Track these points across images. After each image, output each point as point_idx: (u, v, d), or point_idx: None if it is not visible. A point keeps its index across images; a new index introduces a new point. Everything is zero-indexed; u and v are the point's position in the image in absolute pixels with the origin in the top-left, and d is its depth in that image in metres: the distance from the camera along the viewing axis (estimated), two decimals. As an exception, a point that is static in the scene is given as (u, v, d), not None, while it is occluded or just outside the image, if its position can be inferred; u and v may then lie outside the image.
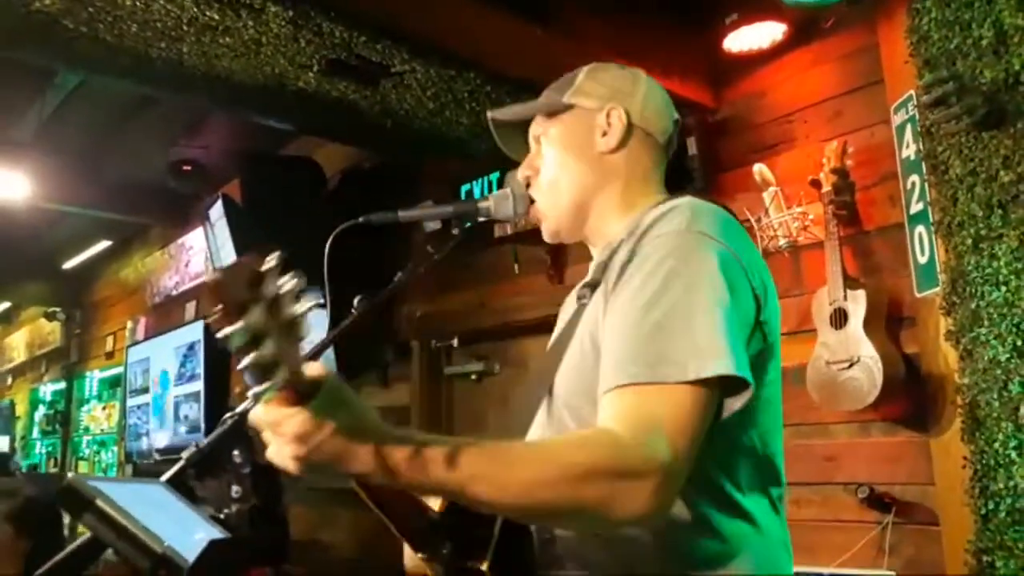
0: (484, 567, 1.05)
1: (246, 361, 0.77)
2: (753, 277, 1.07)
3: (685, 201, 1.14)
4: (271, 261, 0.78)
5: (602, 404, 1.00)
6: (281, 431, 0.85)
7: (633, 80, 1.28)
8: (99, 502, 1.00)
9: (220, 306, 0.76)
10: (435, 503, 1.14)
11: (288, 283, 0.79)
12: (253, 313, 0.76)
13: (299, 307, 0.80)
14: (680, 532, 1.03)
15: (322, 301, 1.55)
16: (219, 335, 0.77)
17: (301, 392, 0.84)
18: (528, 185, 1.30)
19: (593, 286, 1.17)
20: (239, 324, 0.76)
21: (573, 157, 1.25)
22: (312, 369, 0.86)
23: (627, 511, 0.91)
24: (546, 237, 1.32)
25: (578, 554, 1.07)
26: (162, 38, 2.39)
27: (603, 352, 1.05)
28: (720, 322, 0.99)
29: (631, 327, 1.01)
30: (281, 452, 0.86)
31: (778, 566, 1.09)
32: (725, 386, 0.98)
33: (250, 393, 0.82)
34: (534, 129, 1.30)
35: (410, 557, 1.18)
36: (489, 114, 1.35)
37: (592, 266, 1.25)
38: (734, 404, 1.00)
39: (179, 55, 2.50)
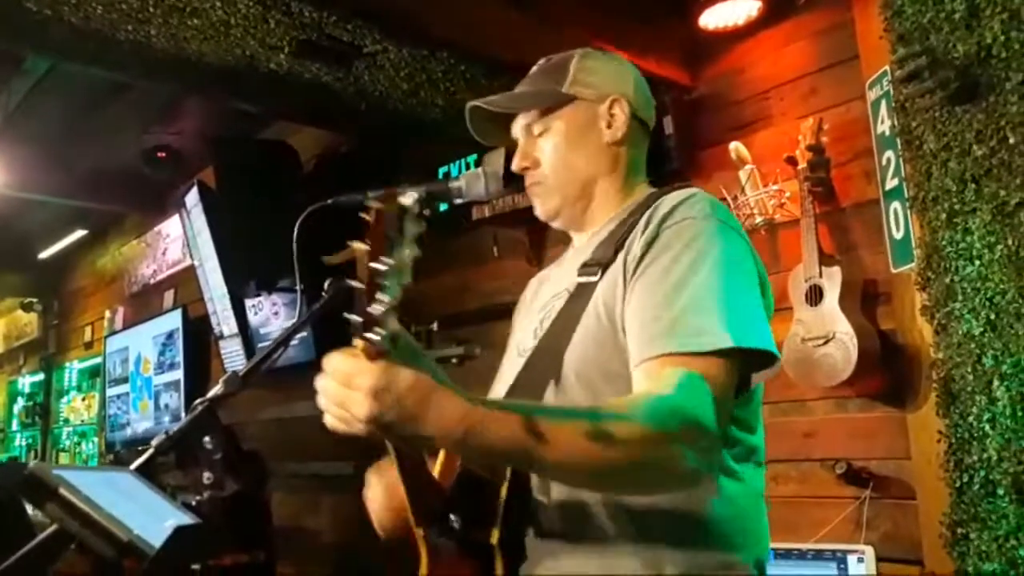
0: (493, 540, 1.08)
1: (383, 298, 0.79)
2: (758, 262, 1.16)
3: (696, 190, 1.20)
4: (413, 199, 0.82)
5: (640, 374, 1.04)
6: (356, 383, 0.83)
7: (622, 69, 1.33)
8: (62, 491, 0.98)
9: (371, 239, 0.80)
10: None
11: (414, 228, 0.82)
12: (402, 252, 0.80)
13: (413, 252, 0.83)
14: (697, 494, 1.08)
15: (300, 287, 1.54)
16: (374, 265, 0.80)
17: (380, 347, 0.83)
18: (524, 174, 1.31)
19: (600, 264, 1.19)
20: (389, 259, 0.79)
21: (579, 149, 1.28)
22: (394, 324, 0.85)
23: (686, 470, 0.96)
24: (542, 217, 1.34)
25: (592, 523, 1.09)
26: (129, 20, 2.35)
27: (633, 328, 1.08)
28: (750, 301, 1.08)
29: (665, 303, 1.06)
30: (355, 406, 0.83)
31: (759, 516, 1.17)
32: (753, 361, 1.06)
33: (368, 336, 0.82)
34: (526, 119, 1.30)
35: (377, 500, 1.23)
36: (479, 102, 1.33)
37: (587, 247, 1.28)
38: (758, 378, 1.09)
39: (147, 38, 2.46)
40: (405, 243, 0.81)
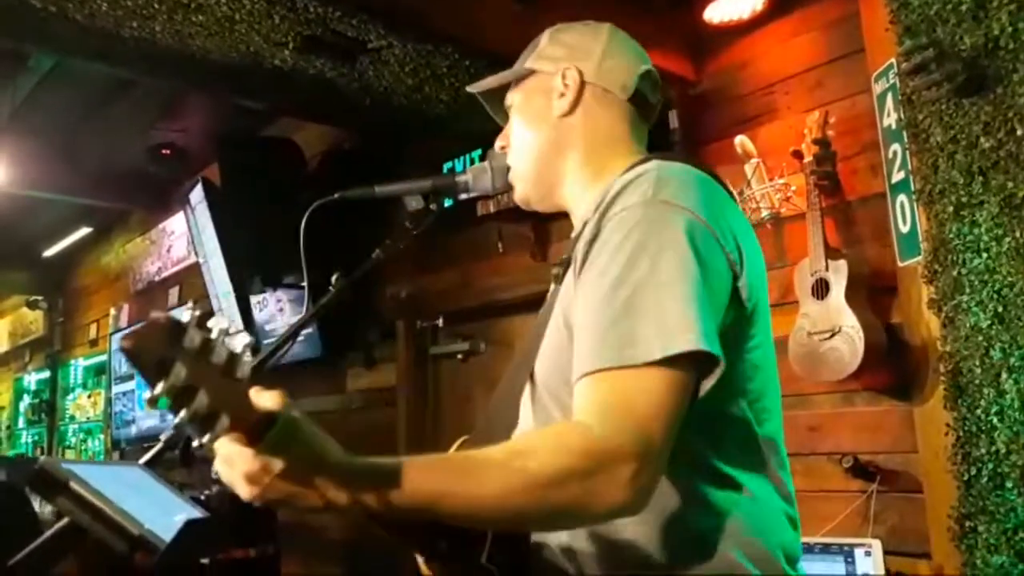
0: (482, 559, 1.04)
1: (179, 418, 0.72)
2: (726, 242, 1.02)
3: (652, 166, 1.07)
4: (187, 312, 0.74)
5: (575, 393, 0.97)
6: (234, 469, 0.80)
7: (593, 36, 1.24)
8: (73, 485, 0.98)
9: (142, 373, 0.72)
10: None
11: (214, 327, 0.75)
12: (176, 369, 0.71)
13: (231, 347, 0.76)
14: (669, 510, 1.00)
15: (303, 284, 1.54)
16: (145, 400, 0.73)
17: (253, 430, 0.79)
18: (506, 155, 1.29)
19: (566, 264, 1.13)
20: (160, 386, 0.71)
21: (533, 123, 1.23)
22: (267, 401, 0.81)
23: (605, 505, 0.89)
24: (518, 202, 1.30)
25: (569, 543, 1.06)
26: (133, 17, 2.35)
27: (574, 337, 1.01)
28: (689, 297, 0.95)
29: (598, 310, 0.97)
30: (238, 488, 0.82)
31: (775, 533, 1.06)
32: (698, 361, 0.94)
33: (194, 444, 0.77)
34: (507, 99, 1.29)
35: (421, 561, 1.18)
36: (468, 88, 1.34)
37: (571, 239, 1.20)
38: (706, 383, 0.95)
39: (151, 34, 2.46)
40: (187, 358, 0.72)
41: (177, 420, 0.73)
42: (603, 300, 0.97)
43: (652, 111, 1.27)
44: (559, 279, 1.15)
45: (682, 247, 0.98)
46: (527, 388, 1.15)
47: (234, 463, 0.80)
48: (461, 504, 0.88)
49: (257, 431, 0.80)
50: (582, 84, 1.20)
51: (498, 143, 1.31)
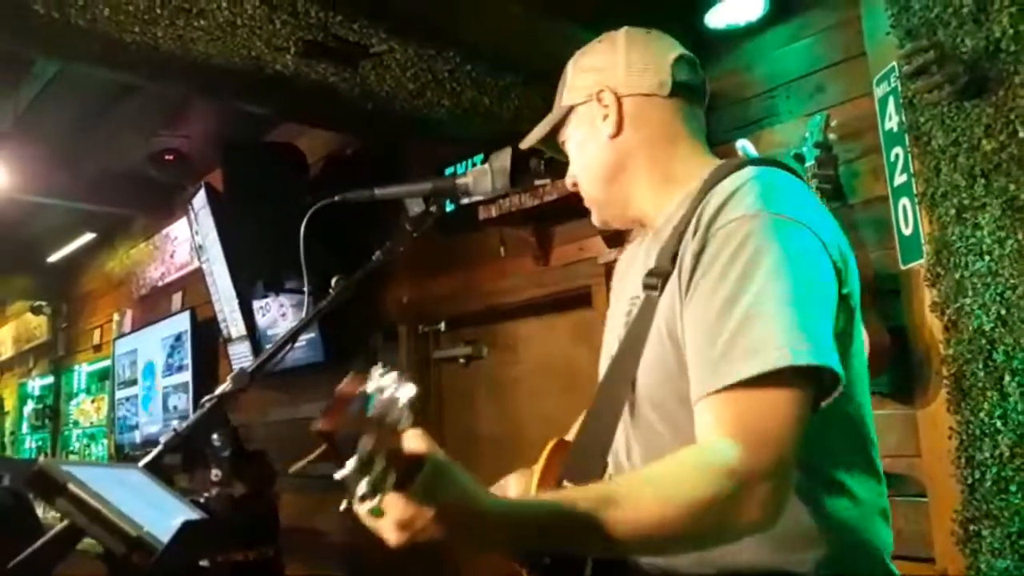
0: (586, 573, 1.04)
1: (362, 489, 0.72)
2: (832, 249, 1.03)
3: (750, 174, 1.06)
4: (373, 382, 0.75)
5: (698, 412, 0.97)
6: (387, 516, 0.80)
7: (612, 49, 1.24)
8: (71, 486, 0.98)
9: (328, 449, 0.73)
10: None
11: (388, 389, 0.76)
12: (363, 443, 0.72)
13: (402, 401, 0.76)
14: (785, 521, 0.99)
15: (308, 289, 1.54)
16: (339, 477, 0.72)
17: (404, 475, 0.78)
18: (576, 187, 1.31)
19: (660, 276, 1.10)
20: (352, 464, 0.71)
21: (588, 153, 1.24)
22: (413, 444, 0.81)
23: (746, 526, 0.92)
24: (597, 225, 1.33)
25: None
26: (135, 22, 2.35)
27: (689, 353, 1.01)
28: (806, 311, 0.95)
29: (714, 326, 0.97)
30: (387, 535, 0.82)
31: (875, 534, 1.10)
32: (819, 375, 0.95)
33: (356, 507, 0.76)
34: (560, 141, 1.31)
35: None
36: (523, 145, 1.36)
37: (654, 243, 1.19)
38: (826, 400, 0.97)
39: (154, 39, 2.46)
40: (372, 431, 0.73)
41: (360, 493, 0.73)
42: (719, 317, 0.97)
43: (701, 92, 1.26)
44: (652, 288, 1.12)
45: (794, 261, 0.98)
46: (626, 400, 1.14)
47: (388, 509, 0.79)
48: (613, 544, 0.88)
49: (407, 475, 0.78)
50: (619, 101, 1.20)
51: (568, 182, 1.31)
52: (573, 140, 1.27)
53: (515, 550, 0.90)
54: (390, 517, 0.80)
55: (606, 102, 1.20)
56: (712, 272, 1.00)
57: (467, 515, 0.83)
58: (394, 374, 0.78)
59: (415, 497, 0.79)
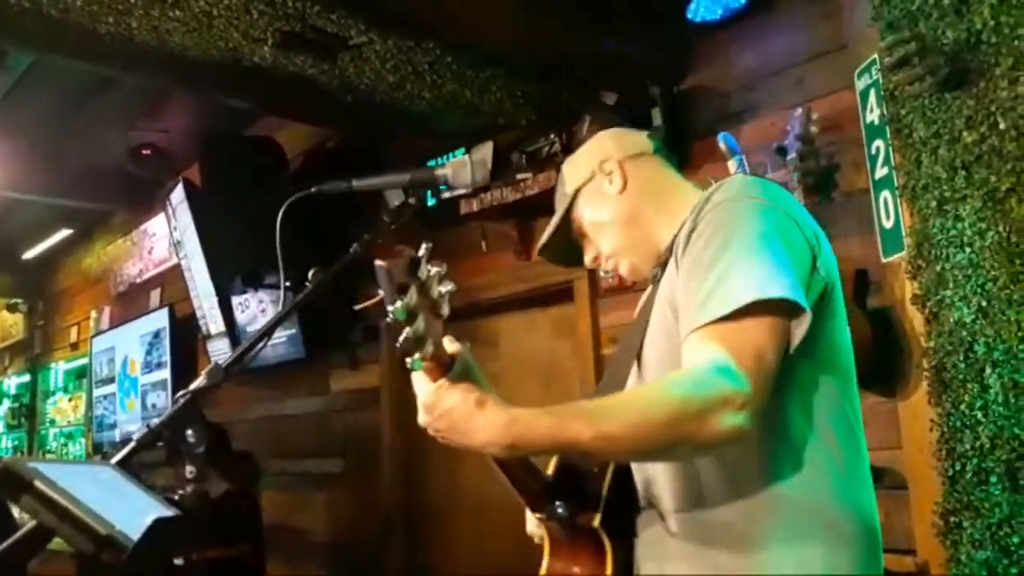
0: (595, 523, 1.18)
1: (403, 335, 0.91)
2: (805, 230, 1.21)
3: (736, 176, 1.35)
4: (423, 249, 0.93)
5: (684, 351, 1.13)
6: (419, 399, 1.01)
7: (596, 140, 1.45)
8: (38, 483, 0.95)
9: (385, 290, 0.92)
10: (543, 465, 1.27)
11: (435, 268, 0.93)
12: (410, 293, 0.90)
13: (444, 288, 0.94)
14: (766, 453, 1.15)
15: (285, 283, 1.52)
16: (389, 309, 0.92)
17: (441, 366, 0.99)
18: (608, 270, 1.48)
19: (664, 265, 1.29)
20: (400, 303, 0.90)
21: (605, 215, 1.40)
22: (452, 346, 1.02)
23: (720, 435, 1.04)
24: (638, 279, 1.45)
25: (670, 486, 1.21)
26: (109, 12, 2.31)
27: (680, 311, 1.18)
28: (776, 260, 1.12)
29: (700, 283, 1.14)
30: (418, 417, 1.04)
31: (859, 503, 1.26)
32: (789, 310, 1.10)
33: (407, 362, 0.96)
34: (575, 225, 1.44)
35: (529, 519, 1.33)
36: (541, 255, 1.51)
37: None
38: (797, 330, 1.11)
39: (128, 30, 2.42)
40: (417, 287, 0.91)
41: (402, 338, 0.92)
42: (702, 277, 1.14)
43: (672, 155, 1.48)
44: (656, 280, 1.31)
45: (767, 227, 1.16)
46: (633, 371, 1.30)
47: (418, 394, 1.02)
48: (603, 442, 1.03)
49: (443, 368, 0.99)
50: (619, 162, 1.39)
51: (588, 259, 1.44)
52: (587, 218, 1.41)
53: (515, 449, 1.02)
54: (420, 400, 1.01)
55: (608, 168, 1.39)
56: (699, 243, 1.18)
57: (481, 407, 1.00)
58: (442, 266, 0.95)
59: (449, 381, 0.99)
